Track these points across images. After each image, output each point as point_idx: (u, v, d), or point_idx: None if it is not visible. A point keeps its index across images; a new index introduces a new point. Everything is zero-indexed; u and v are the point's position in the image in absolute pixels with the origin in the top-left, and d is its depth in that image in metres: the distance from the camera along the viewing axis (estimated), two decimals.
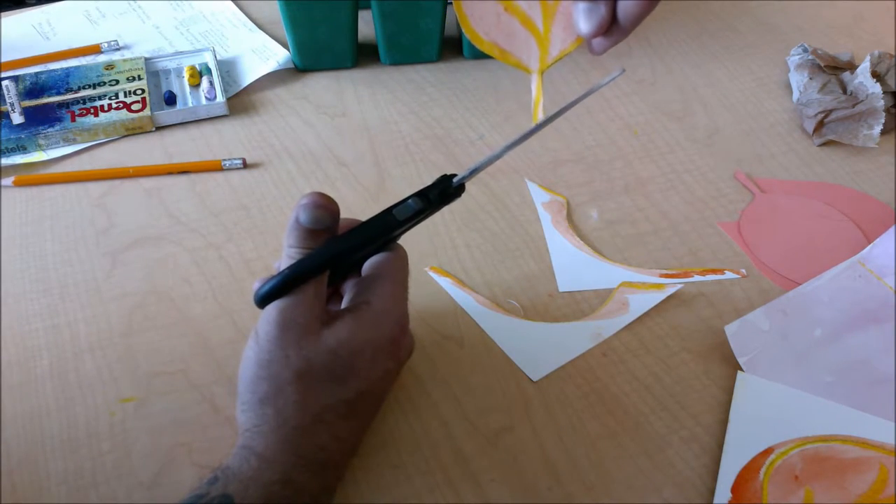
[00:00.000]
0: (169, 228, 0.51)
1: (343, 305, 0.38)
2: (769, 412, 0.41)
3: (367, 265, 0.39)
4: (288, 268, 0.35)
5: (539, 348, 0.45)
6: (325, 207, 0.36)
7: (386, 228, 0.37)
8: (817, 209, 0.53)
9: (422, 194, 0.37)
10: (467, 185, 0.55)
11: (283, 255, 0.37)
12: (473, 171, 0.37)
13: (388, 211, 0.37)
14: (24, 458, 0.40)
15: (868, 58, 0.59)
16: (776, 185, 0.55)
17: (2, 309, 0.47)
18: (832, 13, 0.71)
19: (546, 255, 0.50)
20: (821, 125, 0.58)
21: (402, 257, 0.39)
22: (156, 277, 0.48)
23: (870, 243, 0.50)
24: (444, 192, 0.38)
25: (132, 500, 0.38)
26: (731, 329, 0.45)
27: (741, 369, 0.43)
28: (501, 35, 0.39)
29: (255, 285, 0.38)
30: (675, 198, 0.54)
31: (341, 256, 0.37)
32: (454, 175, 0.38)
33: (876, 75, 0.58)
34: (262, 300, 0.35)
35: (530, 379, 0.43)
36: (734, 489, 0.38)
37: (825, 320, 0.45)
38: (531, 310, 0.47)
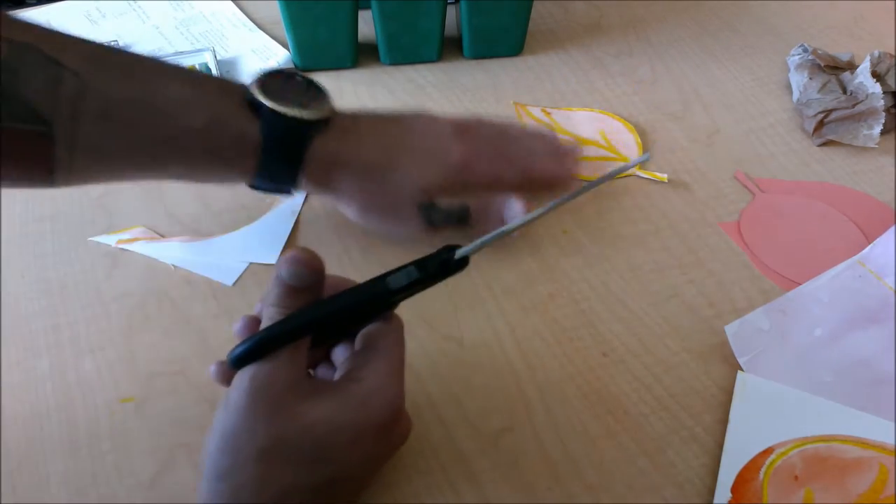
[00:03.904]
0: (169, 228, 0.51)
1: (335, 377, 0.36)
2: (769, 412, 0.41)
3: (361, 336, 0.36)
4: (263, 330, 0.33)
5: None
6: (306, 264, 0.33)
7: (376, 297, 0.34)
8: (817, 209, 0.53)
9: (421, 264, 0.34)
10: None
11: (262, 314, 0.34)
12: (480, 245, 0.35)
13: (382, 278, 0.34)
14: (24, 458, 0.40)
15: (868, 58, 0.60)
16: (776, 185, 0.55)
17: (2, 309, 0.47)
18: (832, 13, 0.72)
19: (546, 253, 0.50)
20: (821, 125, 0.58)
21: (399, 329, 0.36)
22: (156, 277, 0.48)
23: (870, 243, 0.50)
24: (444, 264, 0.35)
25: (132, 500, 0.38)
26: (731, 329, 0.45)
27: (741, 369, 0.43)
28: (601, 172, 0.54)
29: (235, 327, 0.36)
30: (675, 198, 0.54)
31: (323, 323, 0.34)
32: (458, 246, 0.35)
33: (876, 75, 0.58)
34: (236, 362, 0.32)
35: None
36: (734, 489, 0.38)
37: (825, 320, 0.45)
38: (531, 310, 0.47)
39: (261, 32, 0.67)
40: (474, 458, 0.40)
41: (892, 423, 0.41)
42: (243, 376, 0.32)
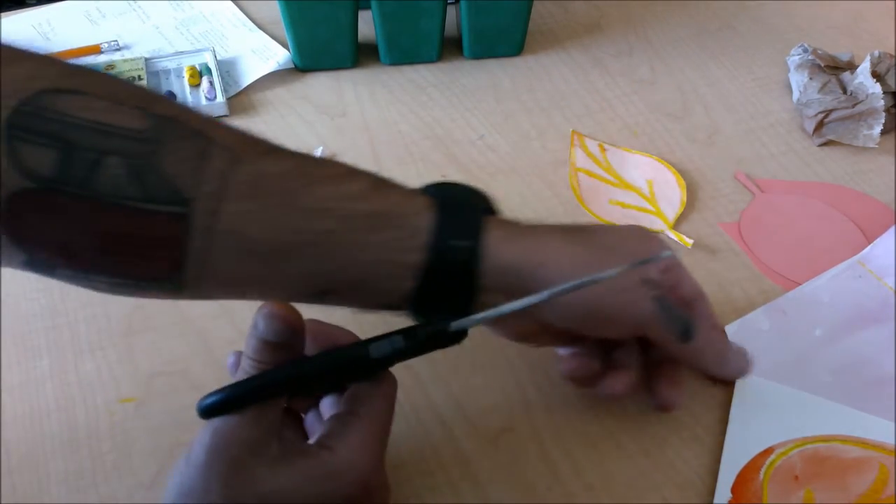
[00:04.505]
0: None
1: (315, 438, 0.33)
2: (769, 412, 0.41)
3: (347, 396, 0.34)
4: (235, 384, 0.31)
5: None
6: (282, 319, 0.31)
7: (355, 365, 0.32)
8: (817, 209, 0.53)
9: (409, 333, 0.32)
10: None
11: (241, 362, 0.33)
12: (480, 320, 0.32)
13: (364, 344, 0.32)
14: (24, 458, 0.40)
15: (868, 58, 0.59)
16: (776, 185, 0.55)
17: (2, 309, 0.47)
18: (832, 13, 0.71)
19: None
20: (821, 125, 0.58)
21: (388, 393, 0.34)
22: None
23: (870, 243, 0.50)
24: (435, 335, 0.32)
25: (132, 500, 0.38)
26: (731, 329, 0.45)
27: None
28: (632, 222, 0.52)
29: (229, 362, 0.35)
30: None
31: (295, 385, 0.32)
32: (455, 317, 0.32)
33: (876, 75, 0.58)
34: (205, 413, 0.31)
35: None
36: (734, 489, 0.38)
37: (825, 320, 0.45)
38: None
39: (261, 32, 0.67)
40: (474, 458, 0.40)
41: (892, 424, 0.41)
42: (206, 430, 0.30)
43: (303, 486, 0.30)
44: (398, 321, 0.35)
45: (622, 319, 0.36)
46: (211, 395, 0.31)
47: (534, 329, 0.37)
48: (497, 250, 0.34)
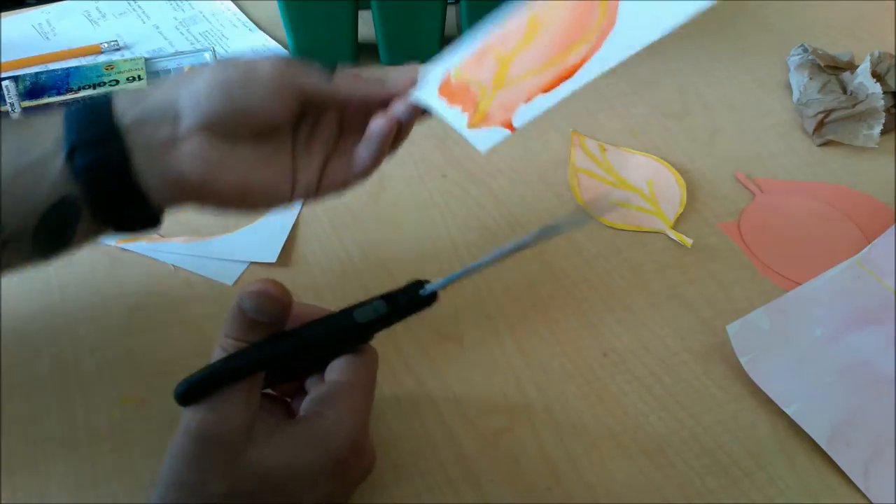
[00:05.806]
0: (169, 229, 0.51)
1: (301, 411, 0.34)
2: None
3: (331, 368, 0.34)
4: (214, 363, 0.31)
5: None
6: (275, 299, 0.31)
7: (342, 331, 0.33)
8: (817, 209, 0.53)
9: (389, 298, 0.33)
10: (468, 186, 0.55)
11: (216, 344, 0.32)
12: (449, 281, 0.34)
13: (349, 311, 0.33)
14: (24, 458, 0.40)
15: (868, 58, 0.59)
16: (776, 185, 0.55)
17: (2, 309, 0.47)
18: (832, 13, 0.72)
19: (546, 254, 0.50)
20: (821, 125, 0.58)
21: (371, 364, 0.35)
22: (156, 277, 0.48)
23: (870, 243, 0.50)
24: (412, 299, 0.33)
25: (132, 500, 0.38)
26: (732, 329, 0.44)
27: (742, 369, 0.43)
28: (632, 222, 0.53)
29: (216, 353, 0.34)
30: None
31: (281, 359, 0.32)
32: (427, 281, 0.34)
33: (876, 75, 0.58)
34: (182, 398, 0.30)
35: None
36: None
37: (825, 320, 0.45)
38: (531, 310, 0.47)
39: (261, 32, 0.67)
40: (474, 458, 0.40)
41: None
42: (190, 419, 0.30)
43: (296, 457, 0.31)
44: None
45: (279, 97, 0.36)
46: (187, 379, 0.30)
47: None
48: (131, 98, 0.34)
